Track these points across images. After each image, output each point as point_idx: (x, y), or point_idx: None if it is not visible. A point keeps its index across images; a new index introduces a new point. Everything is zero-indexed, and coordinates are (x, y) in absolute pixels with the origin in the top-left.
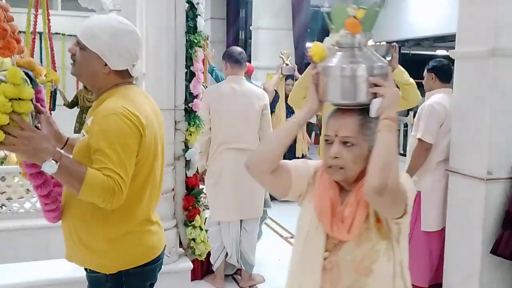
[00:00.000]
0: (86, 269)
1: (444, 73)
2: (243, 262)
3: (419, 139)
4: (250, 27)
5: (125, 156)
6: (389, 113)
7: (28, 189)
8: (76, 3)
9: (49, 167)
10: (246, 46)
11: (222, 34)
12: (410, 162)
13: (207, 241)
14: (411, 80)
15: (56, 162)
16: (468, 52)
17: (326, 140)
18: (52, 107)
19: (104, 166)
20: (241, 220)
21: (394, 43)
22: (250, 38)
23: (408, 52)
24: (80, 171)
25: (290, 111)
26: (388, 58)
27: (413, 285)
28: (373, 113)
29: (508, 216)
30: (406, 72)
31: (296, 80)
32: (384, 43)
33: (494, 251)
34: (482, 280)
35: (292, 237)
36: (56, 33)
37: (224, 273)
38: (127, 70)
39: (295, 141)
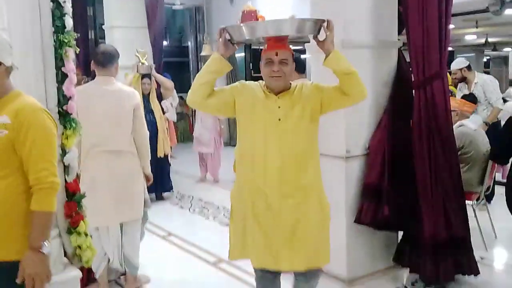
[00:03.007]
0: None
1: (300, 64)
2: (127, 265)
3: None
4: (103, 26)
5: (54, 151)
6: None
7: None
8: None
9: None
10: (97, 45)
11: None
12: None
13: (93, 246)
14: (352, 68)
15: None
16: None
17: None
18: None
19: (46, 169)
20: (121, 224)
21: (327, 19)
22: (102, 37)
23: (258, 47)
24: (50, 222)
25: (148, 111)
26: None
27: None
28: None
29: (365, 188)
30: (344, 58)
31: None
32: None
33: (357, 220)
34: (349, 246)
35: (170, 235)
36: None
37: (108, 279)
38: (10, 67)
39: (156, 141)
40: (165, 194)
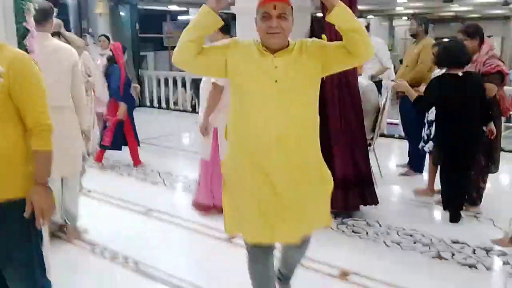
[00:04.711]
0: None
1: (225, 26)
2: (68, 217)
3: (214, 83)
4: None
5: (46, 95)
6: None
7: None
8: None
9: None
10: None
11: None
12: (208, 103)
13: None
14: (358, 24)
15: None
16: (246, 7)
17: None
18: None
19: (43, 112)
20: (61, 178)
21: None
22: None
23: (141, 7)
24: (51, 159)
25: None
26: None
27: (217, 205)
28: None
29: None
30: (350, 13)
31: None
32: None
33: None
34: None
35: (90, 192)
36: None
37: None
38: None
39: None
40: None
